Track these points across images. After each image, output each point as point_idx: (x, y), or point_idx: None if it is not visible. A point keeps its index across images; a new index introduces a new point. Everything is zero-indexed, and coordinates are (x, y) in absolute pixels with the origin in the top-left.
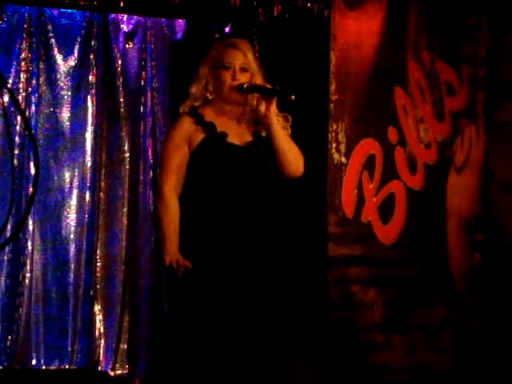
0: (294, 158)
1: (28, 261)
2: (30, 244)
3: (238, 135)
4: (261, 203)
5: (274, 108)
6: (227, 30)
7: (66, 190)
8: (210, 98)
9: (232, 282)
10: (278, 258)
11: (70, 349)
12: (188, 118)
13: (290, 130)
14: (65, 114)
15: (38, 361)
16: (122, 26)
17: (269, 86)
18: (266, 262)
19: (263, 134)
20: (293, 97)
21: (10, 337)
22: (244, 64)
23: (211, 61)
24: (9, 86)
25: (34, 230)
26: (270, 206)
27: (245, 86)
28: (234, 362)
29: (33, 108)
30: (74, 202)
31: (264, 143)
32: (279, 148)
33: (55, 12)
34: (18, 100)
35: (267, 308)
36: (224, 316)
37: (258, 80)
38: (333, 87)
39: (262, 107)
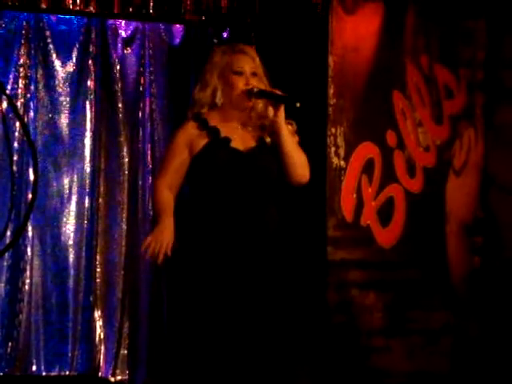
0: (300, 165)
1: (27, 267)
2: (29, 250)
3: (241, 140)
4: (263, 209)
5: (282, 114)
6: (225, 35)
7: (65, 195)
8: (218, 103)
9: (234, 286)
10: (281, 262)
11: (70, 355)
12: (192, 123)
13: (297, 136)
14: (63, 120)
15: (39, 367)
16: (120, 31)
17: (278, 92)
18: (268, 266)
19: (267, 139)
20: (298, 104)
21: (10, 343)
22: (254, 69)
23: (219, 67)
24: (7, 92)
25: (33, 236)
26: (274, 212)
27: (254, 90)
28: (234, 366)
29: (31, 114)
30: (73, 207)
31: (268, 149)
32: (287, 154)
33: (53, 18)
34: (17, 106)
35: (270, 311)
36: (225, 319)
37: (264, 84)
38: (331, 91)
39: (271, 113)
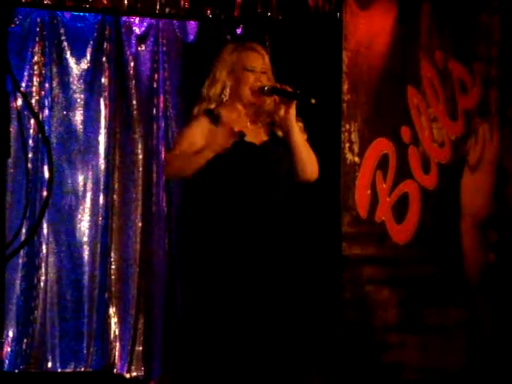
0: (310, 162)
1: (43, 264)
2: (44, 247)
3: (254, 135)
4: (276, 202)
5: (293, 111)
6: (239, 31)
7: (80, 192)
8: (225, 100)
9: (247, 281)
10: (293, 257)
11: (85, 351)
12: (204, 118)
13: (305, 134)
14: (78, 117)
15: (54, 363)
16: (134, 28)
17: (289, 89)
18: (280, 261)
19: (279, 133)
20: (313, 100)
21: (25, 340)
22: (264, 67)
23: (230, 63)
24: (22, 89)
25: (48, 233)
26: (284, 205)
27: (266, 88)
28: (248, 362)
29: (46, 111)
30: (87, 204)
31: (280, 143)
32: (297, 151)
33: (67, 15)
34: (32, 103)
35: (283, 308)
36: (239, 314)
37: (272, 83)
38: (345, 87)
39: (282, 110)
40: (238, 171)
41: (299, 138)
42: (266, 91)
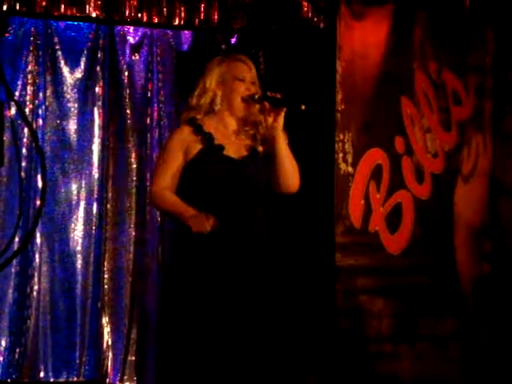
0: (292, 173)
1: (35, 273)
2: (37, 256)
3: (234, 148)
4: (253, 216)
5: (281, 120)
6: (233, 40)
7: (74, 202)
8: (216, 109)
9: (226, 293)
10: (273, 269)
11: (78, 361)
12: (187, 127)
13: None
14: (72, 126)
15: (46, 373)
16: (128, 37)
17: (279, 96)
18: (259, 273)
19: (260, 149)
20: (303, 106)
21: (18, 349)
22: (252, 78)
23: (220, 74)
24: (16, 98)
25: (41, 242)
26: (264, 220)
27: (256, 95)
28: (240, 372)
29: (40, 120)
30: (81, 213)
31: (260, 159)
32: (281, 161)
33: (61, 24)
34: (25, 112)
35: (274, 319)
36: (220, 322)
37: (260, 93)
38: (339, 97)
39: (271, 118)
40: (214, 184)
41: (284, 147)
42: (257, 98)
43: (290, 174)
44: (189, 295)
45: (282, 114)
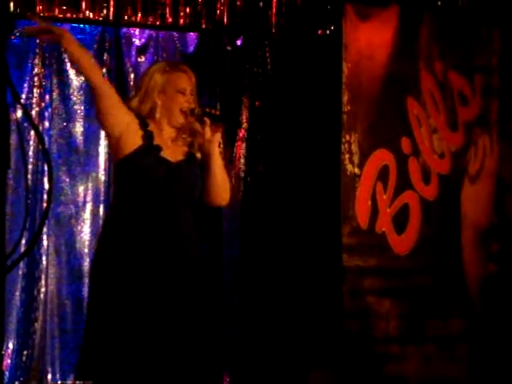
0: (224, 188)
1: (42, 275)
2: (44, 258)
3: (171, 152)
4: (184, 222)
5: (218, 136)
6: (239, 42)
7: (80, 203)
8: (157, 118)
9: (156, 298)
10: (204, 275)
11: None
12: (136, 119)
13: (223, 160)
14: (78, 129)
15: (54, 375)
16: (133, 39)
17: (217, 113)
18: (191, 279)
19: (198, 155)
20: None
21: (25, 352)
22: (192, 89)
23: (161, 83)
24: (22, 101)
25: (48, 244)
26: (194, 226)
27: (196, 110)
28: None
29: (46, 123)
30: (87, 215)
31: (196, 164)
32: (213, 174)
33: (67, 27)
34: (32, 115)
35: (186, 317)
36: (145, 327)
37: (196, 103)
38: (345, 98)
39: (208, 133)
40: (148, 185)
41: (219, 161)
42: (197, 114)
43: (222, 188)
44: (116, 294)
45: (220, 130)
